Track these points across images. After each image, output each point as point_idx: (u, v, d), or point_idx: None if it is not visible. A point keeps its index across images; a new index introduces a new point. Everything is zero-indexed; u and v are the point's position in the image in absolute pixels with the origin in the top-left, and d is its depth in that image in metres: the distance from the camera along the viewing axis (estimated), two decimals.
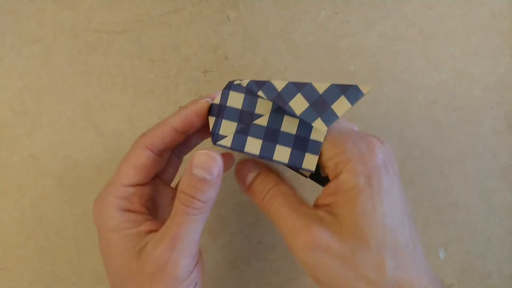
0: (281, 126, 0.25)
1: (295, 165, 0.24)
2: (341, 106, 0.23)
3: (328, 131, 0.24)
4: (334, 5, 0.35)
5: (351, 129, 0.27)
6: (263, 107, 0.25)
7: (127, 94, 0.34)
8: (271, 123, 0.25)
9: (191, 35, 0.34)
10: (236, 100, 0.25)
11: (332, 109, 0.23)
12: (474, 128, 0.36)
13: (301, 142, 0.24)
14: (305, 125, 0.24)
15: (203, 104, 0.26)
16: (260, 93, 0.24)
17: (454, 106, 0.36)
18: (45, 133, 0.34)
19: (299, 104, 0.23)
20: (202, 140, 0.30)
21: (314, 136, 0.24)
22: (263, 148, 0.25)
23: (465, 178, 0.36)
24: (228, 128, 0.25)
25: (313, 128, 0.24)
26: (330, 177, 0.25)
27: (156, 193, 0.28)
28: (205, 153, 0.24)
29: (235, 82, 0.25)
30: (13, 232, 0.34)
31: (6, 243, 0.34)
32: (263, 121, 0.25)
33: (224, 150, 0.26)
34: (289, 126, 0.25)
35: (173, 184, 0.30)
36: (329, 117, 0.23)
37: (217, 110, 0.26)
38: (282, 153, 0.25)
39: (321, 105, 0.23)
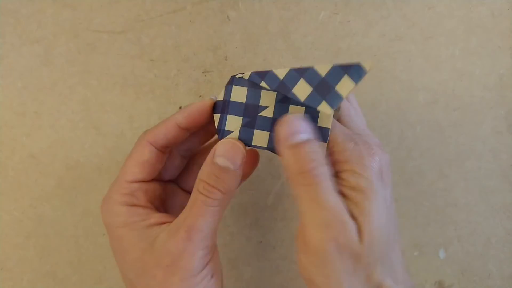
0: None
1: None
2: (345, 86, 0.22)
3: (332, 129, 0.24)
4: (334, 5, 0.35)
5: (362, 128, 0.26)
6: (268, 98, 0.25)
7: (127, 94, 0.34)
8: (277, 113, 0.25)
9: (191, 35, 0.34)
10: (239, 94, 0.25)
11: (336, 90, 0.22)
12: (474, 128, 0.36)
13: None
14: (311, 113, 0.24)
15: (207, 101, 0.25)
16: (262, 83, 0.24)
17: (454, 106, 0.36)
18: (45, 133, 0.34)
19: (302, 89, 0.23)
20: (207, 140, 0.30)
21: (321, 123, 0.24)
22: (270, 139, 0.25)
23: (465, 178, 0.36)
24: (234, 123, 0.25)
25: (319, 115, 0.24)
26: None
27: (170, 196, 0.28)
28: (230, 141, 0.24)
29: (237, 76, 0.25)
30: (13, 232, 0.34)
31: (6, 243, 0.34)
32: (268, 113, 0.25)
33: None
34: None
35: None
36: (334, 99, 0.22)
37: (222, 107, 0.25)
38: None
39: (324, 87, 0.22)
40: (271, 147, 0.25)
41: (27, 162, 0.34)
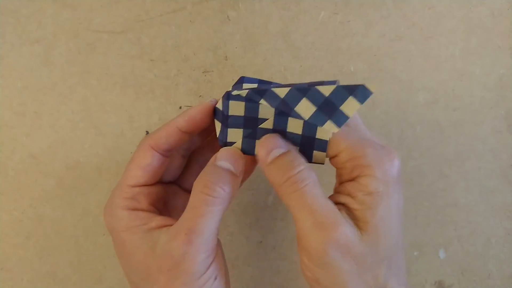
0: (286, 128, 0.25)
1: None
2: (350, 106, 0.22)
3: (348, 134, 0.24)
4: (334, 5, 0.35)
5: (369, 134, 0.26)
6: (267, 111, 0.24)
7: (127, 94, 0.34)
8: (277, 125, 0.25)
9: (191, 35, 0.34)
10: (237, 109, 0.25)
11: (341, 110, 0.22)
12: (474, 128, 0.36)
13: (308, 141, 0.25)
14: (310, 125, 0.24)
15: (208, 104, 0.25)
16: (262, 101, 0.24)
17: (454, 106, 0.36)
18: (45, 133, 0.34)
19: (305, 108, 0.23)
20: (207, 136, 0.30)
21: (319, 135, 0.24)
22: None
23: (465, 178, 0.36)
24: (235, 135, 0.25)
25: (318, 127, 0.24)
26: (343, 178, 0.25)
27: (172, 197, 0.28)
28: (231, 148, 0.24)
29: (233, 93, 0.24)
30: (13, 232, 0.34)
31: (6, 243, 0.34)
32: (268, 125, 0.25)
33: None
34: (294, 127, 0.24)
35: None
36: (339, 119, 0.23)
37: (221, 117, 0.25)
38: None
39: (329, 107, 0.23)
40: None
41: (27, 162, 0.34)
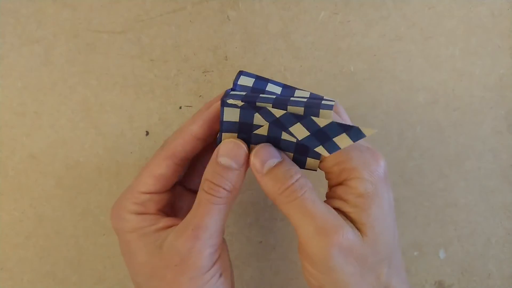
0: (281, 135, 0.24)
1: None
2: (342, 141, 0.22)
3: None
4: (334, 5, 0.35)
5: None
6: (261, 119, 0.24)
7: (127, 94, 0.34)
8: (271, 132, 0.24)
9: (191, 35, 0.34)
10: (232, 115, 0.24)
11: (334, 141, 0.22)
12: (474, 128, 0.36)
13: (302, 148, 0.25)
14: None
15: (216, 106, 0.25)
16: (257, 115, 0.24)
17: (454, 106, 0.36)
18: (45, 133, 0.34)
19: (299, 131, 0.23)
20: None
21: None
22: None
23: (465, 178, 0.36)
24: (229, 137, 0.25)
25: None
26: (332, 182, 0.25)
27: (177, 198, 0.28)
28: (232, 141, 0.24)
29: (228, 101, 0.24)
30: (13, 232, 0.34)
31: (6, 243, 0.34)
32: (263, 131, 0.25)
33: None
34: (289, 135, 0.24)
35: None
36: (331, 147, 0.23)
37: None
38: None
39: (322, 136, 0.23)
40: None
41: (27, 162, 0.34)
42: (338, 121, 0.22)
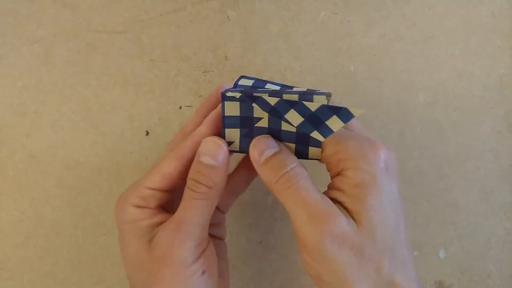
0: (281, 126, 0.25)
1: (301, 158, 0.25)
2: (334, 123, 0.23)
3: None
4: (334, 5, 0.35)
5: (361, 128, 0.27)
6: (260, 111, 0.25)
7: (127, 94, 0.34)
8: (272, 123, 0.25)
9: (191, 35, 0.34)
10: (233, 109, 0.25)
11: (326, 124, 0.23)
12: (474, 128, 0.36)
13: (303, 138, 0.25)
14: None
15: (220, 107, 0.26)
16: (254, 105, 0.24)
17: (454, 106, 0.36)
18: (45, 133, 0.34)
19: (294, 117, 0.24)
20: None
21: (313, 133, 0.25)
22: None
23: (465, 178, 0.36)
24: (233, 134, 0.26)
25: None
26: (332, 172, 0.25)
27: (175, 196, 0.29)
28: (211, 139, 0.25)
29: (227, 94, 0.25)
30: (13, 232, 0.34)
31: (6, 243, 0.34)
32: (263, 123, 0.25)
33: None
34: (288, 125, 0.25)
35: None
36: (325, 131, 0.23)
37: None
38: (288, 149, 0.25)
39: (315, 120, 0.23)
40: None
41: (27, 162, 0.34)
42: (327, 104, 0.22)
